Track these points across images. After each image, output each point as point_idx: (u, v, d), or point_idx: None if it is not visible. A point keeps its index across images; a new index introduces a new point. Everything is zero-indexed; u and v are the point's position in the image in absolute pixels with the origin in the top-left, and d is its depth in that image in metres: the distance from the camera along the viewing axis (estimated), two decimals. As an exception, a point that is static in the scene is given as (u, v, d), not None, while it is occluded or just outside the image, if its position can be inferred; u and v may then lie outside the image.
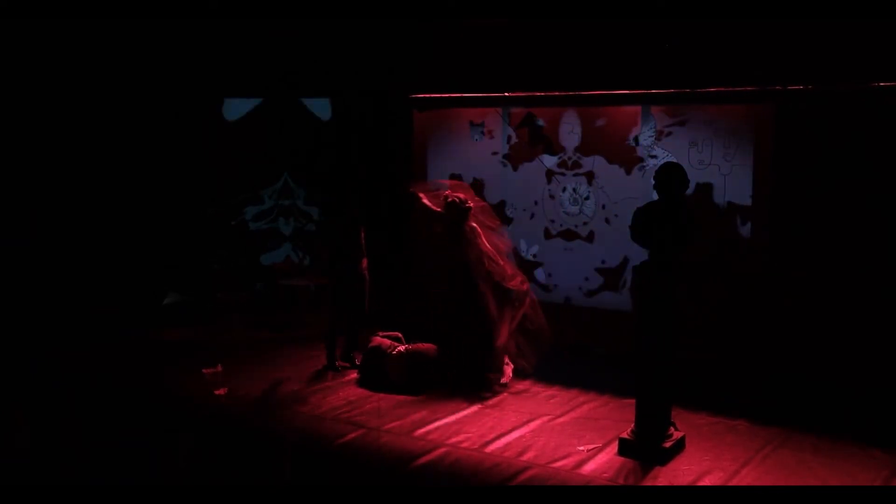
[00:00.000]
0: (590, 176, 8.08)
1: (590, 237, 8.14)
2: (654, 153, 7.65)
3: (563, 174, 8.21)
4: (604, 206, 8.02)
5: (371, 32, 8.74)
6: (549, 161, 8.27)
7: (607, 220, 8.01)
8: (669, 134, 7.62)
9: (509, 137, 8.50)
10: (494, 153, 8.61)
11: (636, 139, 7.77)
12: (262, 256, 9.77)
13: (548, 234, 8.36)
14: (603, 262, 8.07)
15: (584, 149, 8.11)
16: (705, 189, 7.42)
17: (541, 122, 8.18)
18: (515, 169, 8.51)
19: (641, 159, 7.75)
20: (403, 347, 6.95)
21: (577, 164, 8.15)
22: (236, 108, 9.73)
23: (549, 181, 8.29)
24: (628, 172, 7.85)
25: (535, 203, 8.40)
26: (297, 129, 9.70)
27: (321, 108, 9.82)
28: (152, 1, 7.85)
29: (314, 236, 9.74)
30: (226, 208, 9.68)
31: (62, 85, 8.58)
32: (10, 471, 5.38)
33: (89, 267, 8.73)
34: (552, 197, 8.31)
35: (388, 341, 7.08)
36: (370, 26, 8.61)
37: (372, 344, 7.10)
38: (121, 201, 9.00)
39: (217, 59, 9.15)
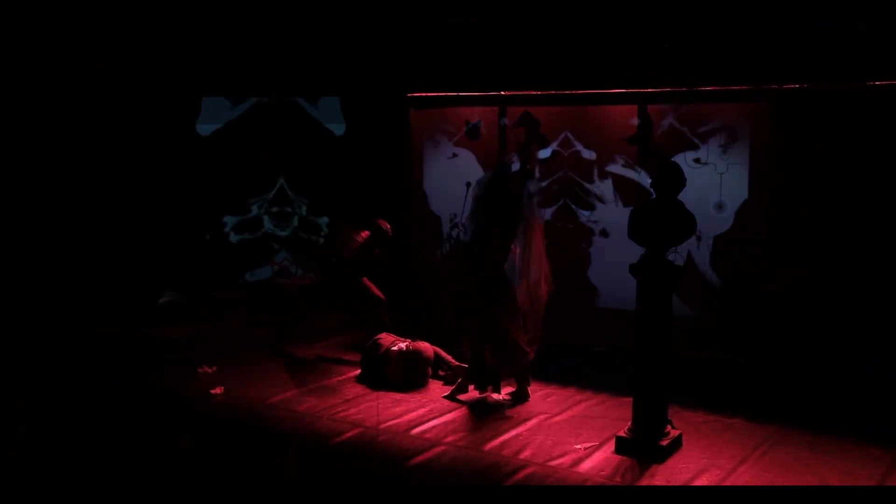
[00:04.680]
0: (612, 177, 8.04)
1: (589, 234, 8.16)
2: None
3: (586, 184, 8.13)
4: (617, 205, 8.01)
5: (368, 32, 8.74)
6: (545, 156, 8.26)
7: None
8: (666, 132, 7.62)
9: (505, 135, 8.49)
10: (489, 153, 8.60)
11: (631, 139, 7.77)
12: (247, 273, 9.68)
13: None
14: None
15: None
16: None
17: (505, 122, 8.23)
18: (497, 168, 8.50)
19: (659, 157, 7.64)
20: (404, 345, 6.94)
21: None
22: (211, 121, 9.60)
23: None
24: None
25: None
26: (301, 138, 9.68)
27: (333, 117, 9.71)
28: (152, 1, 7.86)
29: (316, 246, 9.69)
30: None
31: (61, 84, 8.60)
32: (9, 471, 5.38)
33: (86, 266, 8.73)
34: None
35: (390, 338, 7.09)
36: (367, 26, 8.61)
37: (372, 340, 7.12)
38: (117, 200, 9.01)
39: (215, 60, 9.15)
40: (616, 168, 7.90)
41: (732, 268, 7.37)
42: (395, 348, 6.90)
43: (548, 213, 8.22)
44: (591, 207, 8.03)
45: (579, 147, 8.08)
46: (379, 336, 7.16)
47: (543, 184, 8.05)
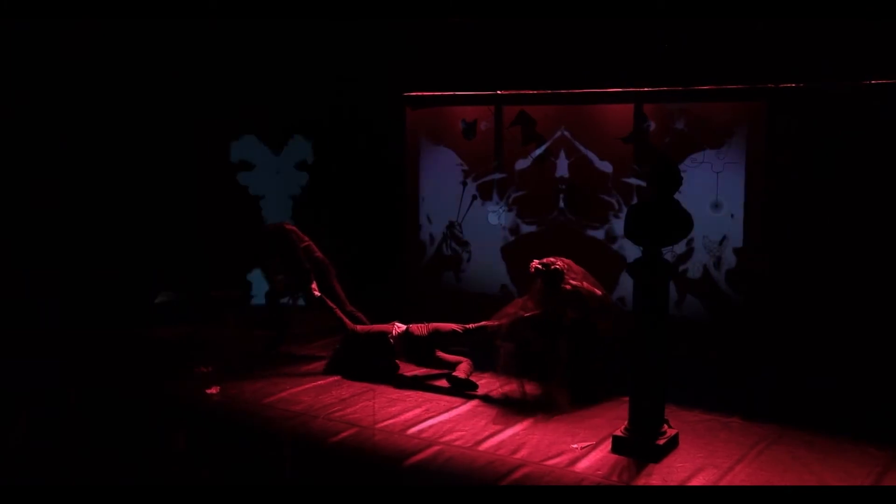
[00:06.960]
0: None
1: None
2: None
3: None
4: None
5: (365, 31, 8.75)
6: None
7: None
8: (675, 135, 7.58)
9: (503, 135, 8.48)
10: (488, 152, 8.58)
11: (627, 137, 7.74)
12: (244, 275, 9.65)
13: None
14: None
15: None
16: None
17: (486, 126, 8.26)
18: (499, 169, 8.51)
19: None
20: (403, 327, 7.09)
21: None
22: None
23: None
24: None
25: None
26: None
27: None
28: (152, 1, 7.88)
29: None
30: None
31: (62, 85, 8.62)
32: (9, 471, 5.40)
33: (84, 266, 8.76)
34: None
35: (384, 326, 7.21)
36: (364, 26, 8.62)
37: (360, 330, 7.29)
38: (115, 200, 9.03)
39: (213, 60, 9.15)
40: (633, 179, 7.86)
41: (736, 269, 7.35)
42: (395, 332, 7.08)
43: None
44: (606, 221, 7.99)
45: (592, 156, 8.02)
46: (371, 326, 7.35)
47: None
